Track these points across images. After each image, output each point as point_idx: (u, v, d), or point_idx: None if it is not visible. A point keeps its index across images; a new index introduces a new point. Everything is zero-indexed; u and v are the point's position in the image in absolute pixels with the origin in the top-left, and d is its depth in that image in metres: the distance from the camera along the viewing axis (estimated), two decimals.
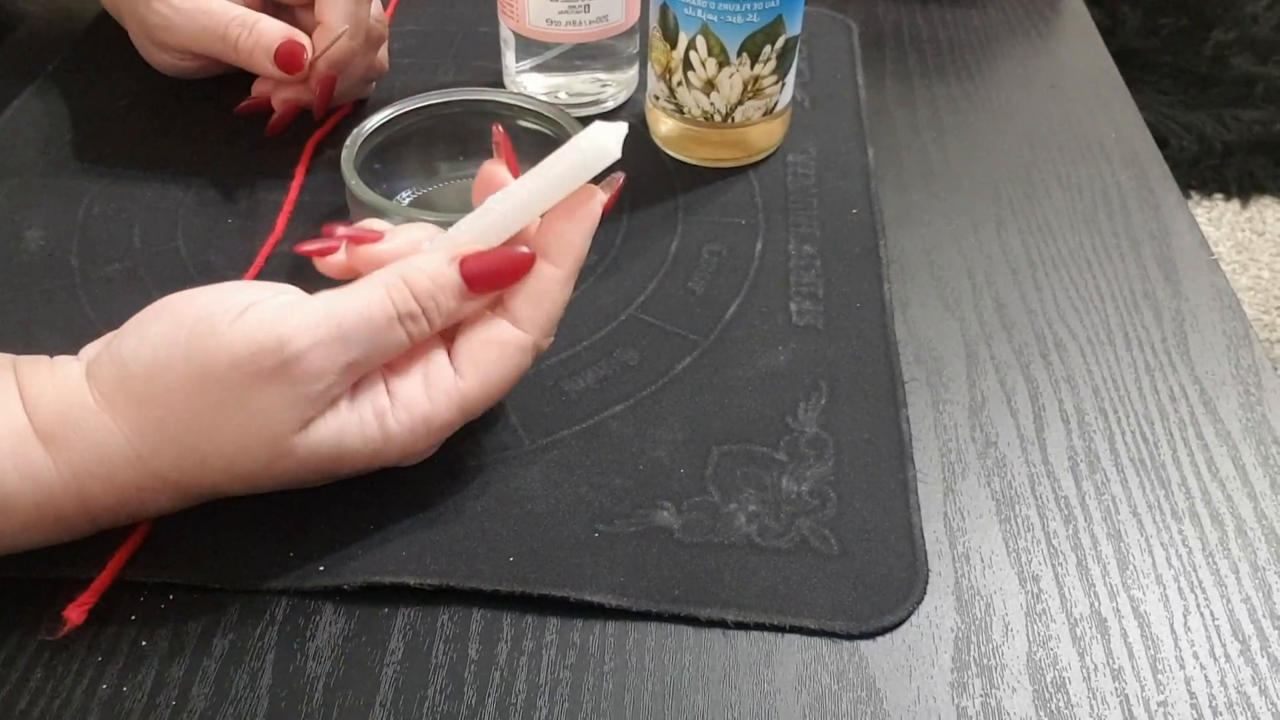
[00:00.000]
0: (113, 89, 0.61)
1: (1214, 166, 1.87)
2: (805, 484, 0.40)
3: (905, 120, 0.60)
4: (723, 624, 0.36)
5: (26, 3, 0.70)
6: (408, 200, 0.52)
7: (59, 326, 0.46)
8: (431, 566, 0.37)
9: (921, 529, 0.39)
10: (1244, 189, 1.85)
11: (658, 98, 0.55)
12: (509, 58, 0.59)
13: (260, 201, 0.53)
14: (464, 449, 0.41)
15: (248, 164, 0.56)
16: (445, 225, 0.46)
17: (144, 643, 0.35)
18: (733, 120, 0.54)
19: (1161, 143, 1.84)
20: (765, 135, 0.56)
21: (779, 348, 0.46)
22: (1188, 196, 1.84)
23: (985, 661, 0.35)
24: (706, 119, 0.54)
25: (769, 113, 0.54)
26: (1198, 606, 0.37)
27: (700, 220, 0.53)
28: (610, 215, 0.52)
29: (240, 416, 0.33)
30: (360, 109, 0.59)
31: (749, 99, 0.53)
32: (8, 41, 0.66)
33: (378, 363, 0.36)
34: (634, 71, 0.60)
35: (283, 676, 0.34)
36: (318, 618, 0.36)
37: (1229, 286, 0.50)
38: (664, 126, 0.56)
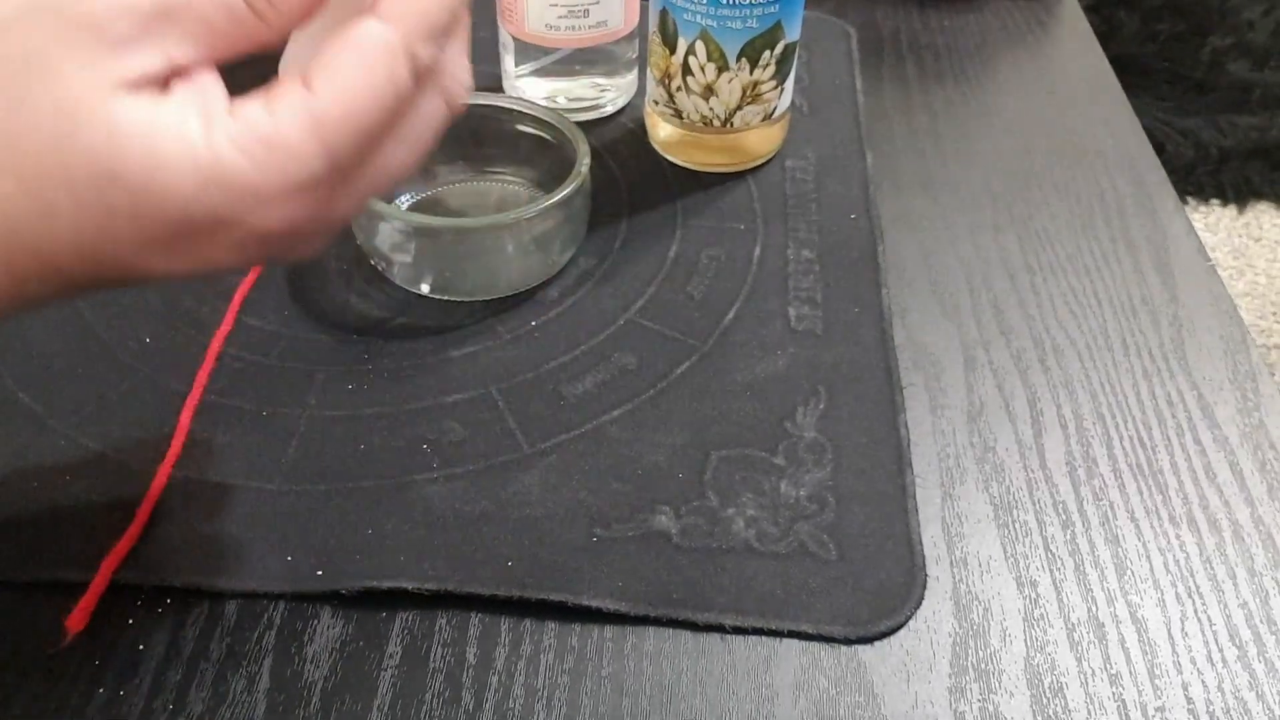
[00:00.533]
0: None
1: (1211, 172, 1.87)
2: (803, 489, 0.40)
3: (903, 126, 0.60)
4: (721, 629, 0.36)
5: None
6: (407, 204, 0.52)
7: (54, 329, 0.46)
8: (429, 571, 0.37)
9: (919, 534, 0.39)
10: (1240, 195, 1.85)
11: (657, 102, 0.55)
12: (508, 62, 0.59)
13: None
14: (462, 453, 0.41)
15: None
16: (441, 230, 0.46)
17: (141, 647, 0.35)
18: (731, 125, 0.54)
19: (1158, 148, 1.84)
20: (764, 140, 0.56)
21: (777, 353, 0.46)
22: (1184, 202, 1.84)
23: (983, 666, 0.35)
24: (705, 124, 0.54)
25: (768, 118, 0.54)
26: (1195, 612, 0.37)
27: (699, 225, 0.53)
28: (609, 219, 0.53)
29: (13, 63, 0.25)
30: None
31: (748, 104, 0.53)
32: None
33: (194, 24, 0.27)
34: (633, 76, 0.60)
35: (280, 681, 0.34)
36: (315, 622, 0.36)
37: (1226, 292, 0.50)
38: (663, 131, 0.56)
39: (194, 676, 0.34)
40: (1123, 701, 0.35)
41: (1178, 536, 0.39)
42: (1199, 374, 0.46)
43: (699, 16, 0.50)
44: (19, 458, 0.41)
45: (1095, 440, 0.43)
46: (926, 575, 0.38)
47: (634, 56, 0.60)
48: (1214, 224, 1.82)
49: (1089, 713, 0.34)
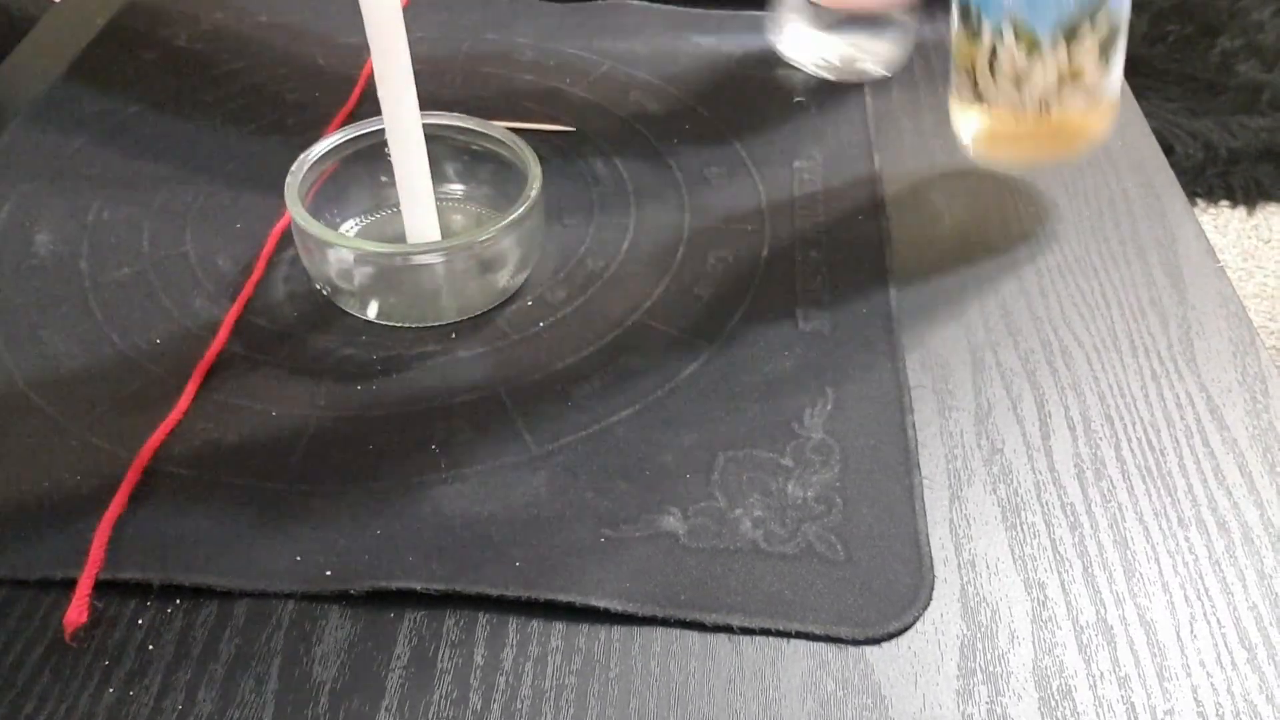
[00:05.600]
0: (122, 95, 0.61)
1: (1220, 174, 1.86)
2: (811, 490, 0.40)
3: (911, 126, 0.60)
4: (728, 629, 0.36)
5: (35, 9, 0.70)
6: (355, 229, 0.51)
7: (69, 331, 0.46)
8: (438, 571, 0.37)
9: (927, 535, 0.39)
10: (1250, 196, 1.85)
11: (969, 93, 0.51)
12: (789, 19, 0.63)
13: (268, 206, 0.53)
14: (470, 454, 0.41)
15: (256, 168, 0.56)
16: (381, 255, 0.45)
17: (150, 647, 0.35)
18: (1048, 110, 0.50)
19: (1167, 150, 1.84)
20: (1088, 126, 0.52)
21: (785, 354, 0.46)
22: (1194, 203, 1.83)
23: (991, 668, 0.35)
24: (1022, 113, 0.50)
25: (1091, 101, 0.50)
26: (1204, 614, 0.37)
27: (706, 226, 0.53)
28: (617, 221, 0.53)
29: None
30: (316, 136, 0.60)
31: (1066, 87, 0.49)
32: (18, 48, 0.66)
33: None
34: (902, 44, 0.63)
35: (288, 681, 0.35)
36: (324, 622, 0.36)
37: (1235, 293, 0.49)
38: (974, 125, 0.53)
39: (203, 677, 0.35)
40: (1131, 704, 0.34)
41: (1186, 539, 0.39)
42: (1208, 376, 0.46)
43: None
44: (32, 458, 0.41)
45: (1104, 442, 0.43)
46: (934, 577, 0.38)
47: (905, 24, 0.63)
48: (1223, 225, 1.81)
49: (1097, 715, 0.34)
